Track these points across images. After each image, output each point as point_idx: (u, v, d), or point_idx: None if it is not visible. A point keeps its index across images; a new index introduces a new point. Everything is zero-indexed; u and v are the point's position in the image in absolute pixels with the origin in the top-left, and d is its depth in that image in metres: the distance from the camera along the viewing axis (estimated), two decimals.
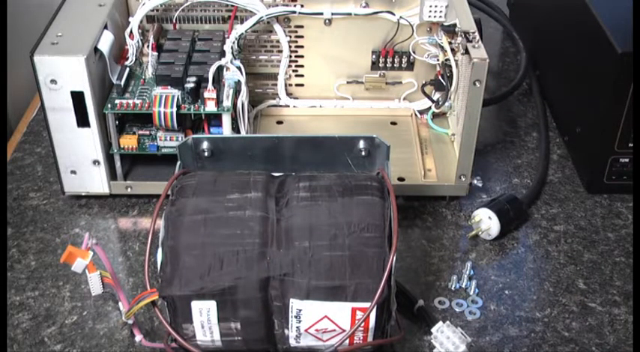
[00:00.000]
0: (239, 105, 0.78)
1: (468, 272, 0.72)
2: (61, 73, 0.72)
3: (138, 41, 0.82)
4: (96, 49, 0.75)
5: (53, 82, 0.73)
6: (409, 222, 0.78)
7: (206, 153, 0.67)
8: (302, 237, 0.58)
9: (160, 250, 0.59)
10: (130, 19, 0.82)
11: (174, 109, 0.75)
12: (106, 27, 0.78)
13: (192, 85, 0.76)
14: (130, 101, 0.77)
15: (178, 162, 0.67)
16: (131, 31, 0.81)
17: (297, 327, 0.58)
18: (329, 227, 0.58)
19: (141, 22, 0.82)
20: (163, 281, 0.57)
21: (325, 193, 0.61)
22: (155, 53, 0.81)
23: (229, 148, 0.67)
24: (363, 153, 0.67)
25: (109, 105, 0.76)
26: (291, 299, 0.57)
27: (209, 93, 0.75)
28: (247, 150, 0.67)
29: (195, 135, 0.67)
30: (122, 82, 0.78)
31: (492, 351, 0.65)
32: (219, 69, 0.78)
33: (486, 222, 0.76)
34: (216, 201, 0.60)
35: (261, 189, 0.61)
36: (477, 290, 0.70)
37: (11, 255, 0.74)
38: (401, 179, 0.81)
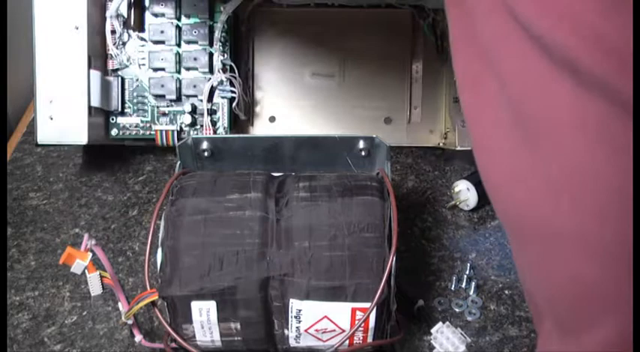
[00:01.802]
0: (235, 107, 0.79)
1: (467, 273, 0.72)
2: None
3: (119, 33, 0.80)
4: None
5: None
6: (409, 222, 0.78)
7: (206, 153, 0.67)
8: (302, 237, 0.58)
9: (159, 250, 0.59)
10: (107, 13, 0.79)
11: (176, 140, 0.80)
12: (89, 62, 0.75)
13: (188, 117, 0.78)
14: (133, 122, 0.80)
15: (178, 162, 0.67)
16: (113, 30, 0.79)
17: (296, 327, 0.58)
18: (329, 227, 0.58)
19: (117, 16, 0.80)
20: (163, 282, 0.57)
21: (325, 193, 0.60)
22: (142, 44, 0.80)
23: (229, 148, 0.67)
24: (363, 153, 0.67)
25: (114, 131, 0.81)
26: (291, 300, 0.57)
27: (207, 131, 0.79)
28: (247, 150, 0.67)
29: (195, 135, 0.67)
30: (119, 104, 0.79)
31: (492, 351, 0.65)
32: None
33: (465, 193, 0.77)
34: (216, 201, 0.60)
35: (261, 189, 0.61)
36: (476, 291, 0.70)
37: (11, 255, 0.74)
38: (387, 120, 0.81)
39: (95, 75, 0.76)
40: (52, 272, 0.73)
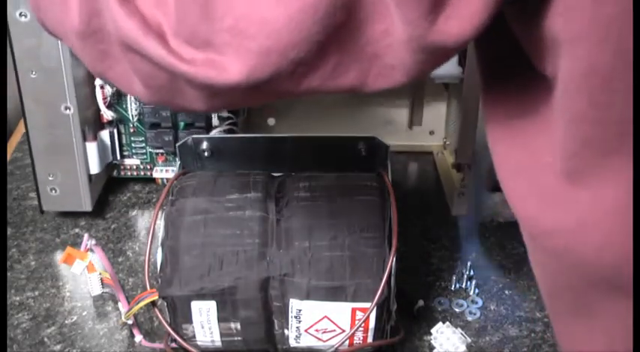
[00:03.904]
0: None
1: (467, 273, 0.72)
2: None
3: (112, 92, 0.77)
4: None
5: None
6: (409, 222, 0.77)
7: (206, 153, 0.67)
8: (302, 237, 0.58)
9: (159, 250, 0.59)
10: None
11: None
12: (84, 136, 0.74)
13: None
14: (133, 163, 0.81)
15: (178, 162, 0.67)
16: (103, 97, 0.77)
17: (297, 327, 0.58)
18: (329, 227, 0.58)
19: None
20: (163, 282, 0.57)
21: (325, 193, 0.60)
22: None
23: (229, 148, 0.67)
24: (363, 153, 0.67)
25: (115, 172, 0.82)
26: (291, 300, 0.57)
27: None
28: (247, 150, 0.67)
29: (195, 135, 0.67)
30: (117, 154, 0.79)
31: (492, 351, 0.65)
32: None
33: None
34: (216, 201, 0.60)
35: (260, 189, 0.61)
36: (476, 291, 0.70)
37: (11, 255, 0.74)
38: (388, 122, 0.83)
39: (91, 146, 0.75)
40: (52, 272, 0.72)
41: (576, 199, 0.39)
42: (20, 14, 0.65)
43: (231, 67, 0.36)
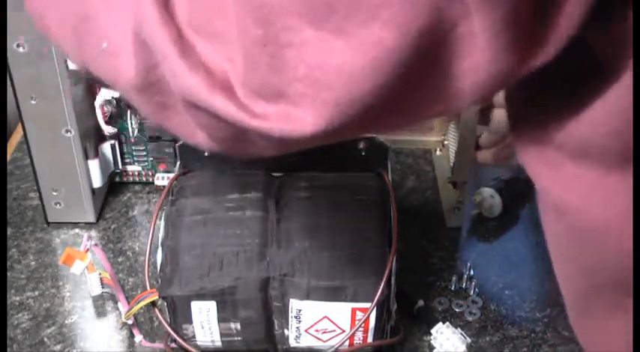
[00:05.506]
0: None
1: (468, 273, 0.71)
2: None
3: (111, 111, 0.77)
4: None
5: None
6: (409, 222, 0.77)
7: (206, 153, 0.67)
8: (302, 237, 0.58)
9: (159, 250, 0.59)
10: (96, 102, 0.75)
11: None
12: (86, 154, 0.74)
13: None
14: (135, 170, 0.82)
15: (178, 162, 0.67)
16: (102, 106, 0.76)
17: (297, 327, 0.58)
18: (329, 227, 0.58)
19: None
20: (163, 282, 0.57)
21: (325, 193, 0.60)
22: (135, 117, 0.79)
23: None
24: (363, 153, 0.67)
25: (117, 178, 0.82)
26: (291, 300, 0.57)
27: None
28: None
29: None
30: (119, 164, 0.80)
31: (492, 351, 0.65)
32: None
33: (488, 200, 0.77)
34: (216, 201, 0.60)
35: (261, 189, 0.61)
36: (476, 291, 0.70)
37: (11, 255, 0.74)
38: None
39: (94, 163, 0.76)
40: (52, 272, 0.72)
41: (618, 191, 0.37)
42: (17, 45, 0.65)
43: (308, 119, 0.34)
